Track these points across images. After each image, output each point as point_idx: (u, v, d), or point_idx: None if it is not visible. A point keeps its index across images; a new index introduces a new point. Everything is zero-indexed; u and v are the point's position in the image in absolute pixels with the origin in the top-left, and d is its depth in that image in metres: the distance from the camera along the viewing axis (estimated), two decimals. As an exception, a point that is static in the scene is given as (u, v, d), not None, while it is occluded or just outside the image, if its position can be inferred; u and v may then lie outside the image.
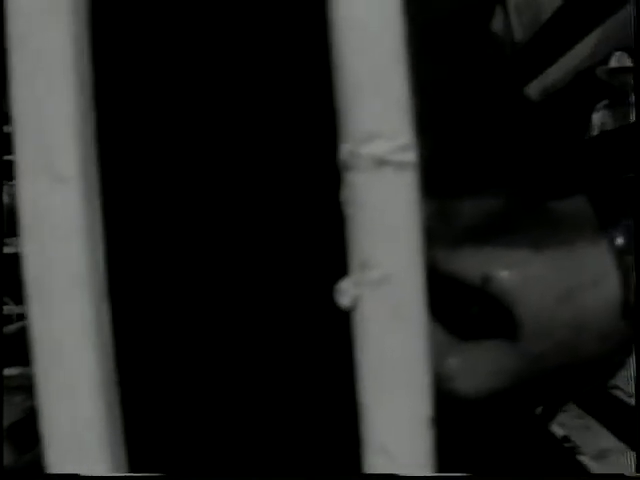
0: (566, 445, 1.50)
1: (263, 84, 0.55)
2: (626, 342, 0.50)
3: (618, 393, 1.57)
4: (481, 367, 0.47)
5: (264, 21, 0.55)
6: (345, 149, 0.29)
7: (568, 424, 2.12)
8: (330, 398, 0.51)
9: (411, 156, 0.29)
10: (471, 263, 0.45)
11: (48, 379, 0.32)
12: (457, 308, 0.47)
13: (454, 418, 0.49)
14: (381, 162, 0.29)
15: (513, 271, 0.45)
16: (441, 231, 0.45)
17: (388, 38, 0.29)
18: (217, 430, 0.59)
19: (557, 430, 1.58)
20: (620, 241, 0.49)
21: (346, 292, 0.29)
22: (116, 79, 0.55)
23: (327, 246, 0.42)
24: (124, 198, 0.54)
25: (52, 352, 0.32)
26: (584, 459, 1.46)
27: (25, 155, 0.31)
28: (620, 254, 0.48)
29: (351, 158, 0.29)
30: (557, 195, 0.49)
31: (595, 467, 1.68)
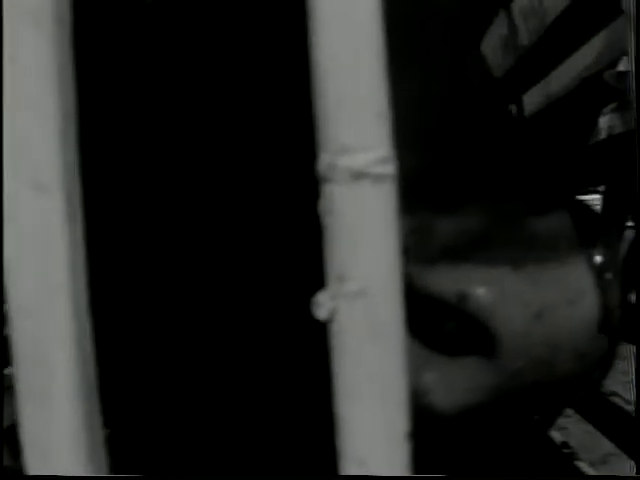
0: (565, 451, 1.49)
1: (241, 95, 0.55)
2: (604, 359, 0.50)
3: (616, 400, 1.56)
4: (457, 383, 0.47)
5: (244, 31, 0.55)
6: (323, 161, 0.29)
7: (570, 428, 2.11)
8: (307, 410, 0.51)
9: (390, 168, 0.29)
10: (447, 280, 0.45)
11: (28, 385, 0.32)
12: (434, 324, 0.46)
13: (444, 427, 0.49)
14: (359, 174, 0.29)
15: (489, 289, 0.45)
16: (418, 248, 0.45)
17: (368, 50, 0.29)
18: (193, 438, 0.59)
19: (557, 436, 1.57)
20: (599, 259, 0.49)
21: (323, 304, 0.29)
22: (100, 84, 0.55)
23: (305, 258, 0.42)
24: (104, 204, 0.54)
25: (34, 359, 0.32)
26: (583, 465, 1.45)
27: (8, 163, 0.31)
28: (599, 272, 0.48)
29: (329, 170, 0.29)
30: (536, 213, 0.48)
31: (598, 472, 1.67)
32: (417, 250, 0.45)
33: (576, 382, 0.50)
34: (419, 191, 0.46)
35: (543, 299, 0.45)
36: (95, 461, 0.32)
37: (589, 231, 0.50)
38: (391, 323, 0.29)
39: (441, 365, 0.47)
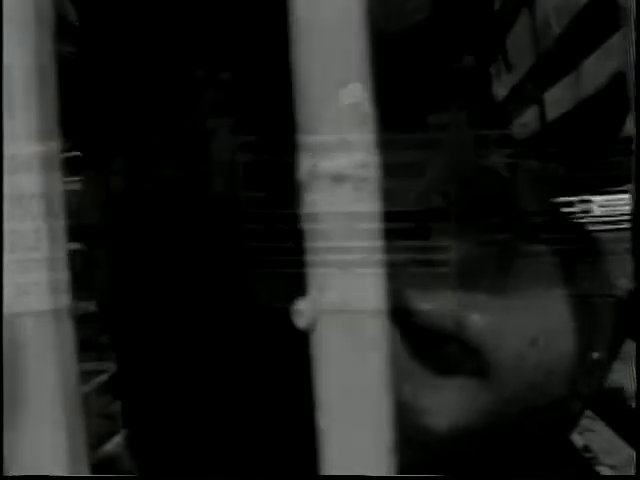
0: (586, 455, 1.47)
1: (217, 100, 0.54)
2: (596, 379, 0.50)
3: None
4: (455, 403, 0.47)
5: (227, 34, 0.54)
6: (305, 164, 0.28)
7: (597, 430, 2.07)
8: (291, 421, 0.50)
9: (371, 172, 0.28)
10: (446, 307, 0.46)
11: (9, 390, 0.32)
12: (433, 346, 0.47)
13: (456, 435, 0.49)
14: (340, 177, 0.28)
15: (485, 317, 0.46)
16: (419, 274, 0.46)
17: (350, 52, 0.28)
18: (176, 449, 0.59)
19: (578, 439, 1.54)
20: (590, 285, 0.50)
21: (303, 313, 0.28)
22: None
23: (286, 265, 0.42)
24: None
25: (14, 365, 0.32)
26: (605, 469, 1.42)
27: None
28: (589, 298, 0.49)
29: (310, 175, 0.28)
30: (532, 241, 0.49)
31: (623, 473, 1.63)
32: (418, 276, 0.46)
33: (568, 402, 0.50)
34: (426, 215, 0.46)
35: (537, 326, 0.46)
36: (75, 464, 0.32)
37: (583, 255, 0.50)
38: (373, 333, 0.28)
39: (439, 386, 0.48)
